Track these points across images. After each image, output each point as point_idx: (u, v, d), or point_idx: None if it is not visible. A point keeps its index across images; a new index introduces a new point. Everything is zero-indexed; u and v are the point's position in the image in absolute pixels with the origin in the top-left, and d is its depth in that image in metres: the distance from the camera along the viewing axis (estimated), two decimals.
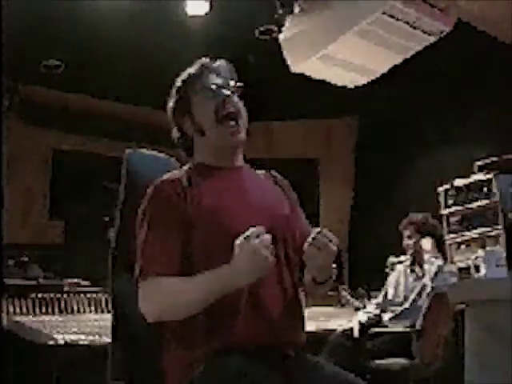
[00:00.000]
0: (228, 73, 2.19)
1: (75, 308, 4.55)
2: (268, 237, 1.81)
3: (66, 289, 4.67)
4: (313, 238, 1.91)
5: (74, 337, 3.98)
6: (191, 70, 2.21)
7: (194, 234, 1.96)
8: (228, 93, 2.12)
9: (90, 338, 4.02)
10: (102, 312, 4.65)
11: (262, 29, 6.39)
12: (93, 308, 4.63)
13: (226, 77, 2.17)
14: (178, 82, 2.22)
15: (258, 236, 1.80)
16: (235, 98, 2.14)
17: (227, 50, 6.09)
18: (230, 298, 1.88)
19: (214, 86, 2.13)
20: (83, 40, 6.15)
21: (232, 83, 2.16)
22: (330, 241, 1.91)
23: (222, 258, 1.88)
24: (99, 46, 6.29)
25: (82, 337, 4.01)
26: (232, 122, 2.09)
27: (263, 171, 2.31)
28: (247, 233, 1.81)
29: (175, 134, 2.23)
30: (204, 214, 1.96)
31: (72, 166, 7.37)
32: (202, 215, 1.96)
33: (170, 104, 2.24)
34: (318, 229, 1.94)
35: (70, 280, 4.92)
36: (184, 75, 2.22)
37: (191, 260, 1.95)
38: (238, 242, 1.81)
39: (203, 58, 2.23)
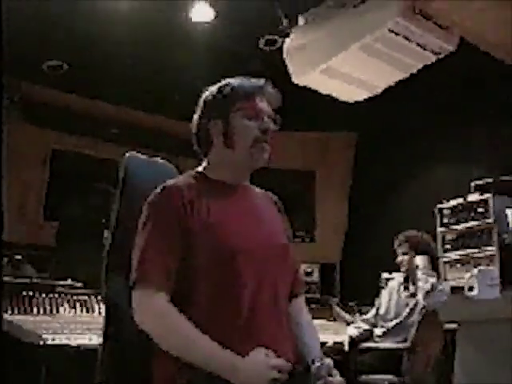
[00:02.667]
0: (274, 104, 2.19)
1: (67, 309, 4.54)
2: (286, 376, 1.84)
3: (58, 289, 4.66)
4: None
5: (63, 337, 3.97)
6: (246, 82, 2.16)
7: (194, 248, 1.94)
8: (271, 127, 2.12)
9: (80, 339, 4.01)
10: (94, 314, 4.64)
11: (266, 39, 6.41)
12: (85, 310, 4.63)
13: (274, 108, 2.17)
14: (227, 87, 2.15)
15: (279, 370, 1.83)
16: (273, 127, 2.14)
17: (230, 59, 6.15)
18: (228, 317, 1.90)
19: (263, 115, 2.11)
20: (87, 42, 6.16)
21: (273, 114, 2.16)
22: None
23: (219, 277, 1.91)
24: (102, 48, 6.30)
25: (72, 338, 4.00)
26: (264, 154, 2.10)
27: (262, 191, 2.31)
28: (277, 361, 1.84)
29: (195, 127, 2.18)
30: (208, 231, 1.95)
31: (70, 168, 7.36)
32: (206, 232, 1.94)
33: (207, 98, 2.17)
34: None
35: (62, 281, 4.91)
36: (237, 83, 2.16)
37: (190, 273, 1.94)
38: (264, 358, 1.83)
39: (259, 80, 2.17)
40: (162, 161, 2.39)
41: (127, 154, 2.28)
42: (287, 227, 2.27)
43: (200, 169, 2.17)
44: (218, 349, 1.82)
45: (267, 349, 1.88)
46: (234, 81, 2.16)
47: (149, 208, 2.00)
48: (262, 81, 2.17)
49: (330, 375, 1.94)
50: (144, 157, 2.35)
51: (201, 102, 2.18)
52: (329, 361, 1.99)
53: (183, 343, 1.86)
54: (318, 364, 1.96)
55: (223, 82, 2.17)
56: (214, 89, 2.17)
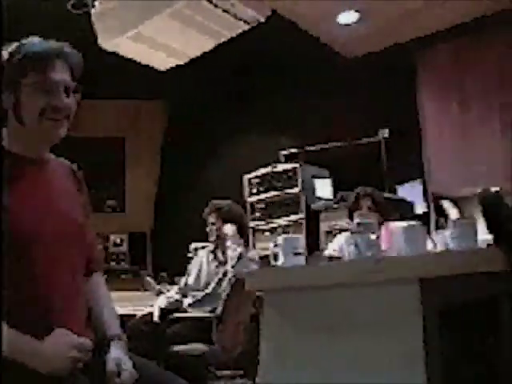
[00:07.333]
0: (77, 69, 1.98)
1: None
2: (87, 355, 1.81)
3: None
4: None
5: None
6: (42, 46, 1.94)
7: None
8: (64, 99, 1.93)
9: None
10: None
11: (74, 1, 6.17)
12: None
13: (72, 73, 1.97)
14: (19, 54, 1.90)
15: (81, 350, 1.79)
16: (70, 99, 1.95)
17: (35, 21, 5.87)
18: (27, 306, 1.82)
19: (56, 88, 1.91)
20: None
21: (72, 84, 1.96)
22: None
23: (15, 265, 1.81)
24: None
25: None
26: (56, 131, 1.93)
27: (63, 162, 2.17)
28: (78, 339, 1.80)
29: None
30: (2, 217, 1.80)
31: None
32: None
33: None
34: None
35: None
36: (31, 48, 1.92)
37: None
38: (64, 338, 1.79)
39: (58, 43, 1.97)
40: None
41: None
42: (86, 201, 2.18)
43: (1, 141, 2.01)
44: (16, 335, 1.74)
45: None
46: (28, 45, 1.94)
47: None
48: (62, 44, 1.99)
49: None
50: None
51: None
52: (124, 342, 2.00)
53: None
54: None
55: (17, 45, 1.94)
56: (6, 53, 1.94)
